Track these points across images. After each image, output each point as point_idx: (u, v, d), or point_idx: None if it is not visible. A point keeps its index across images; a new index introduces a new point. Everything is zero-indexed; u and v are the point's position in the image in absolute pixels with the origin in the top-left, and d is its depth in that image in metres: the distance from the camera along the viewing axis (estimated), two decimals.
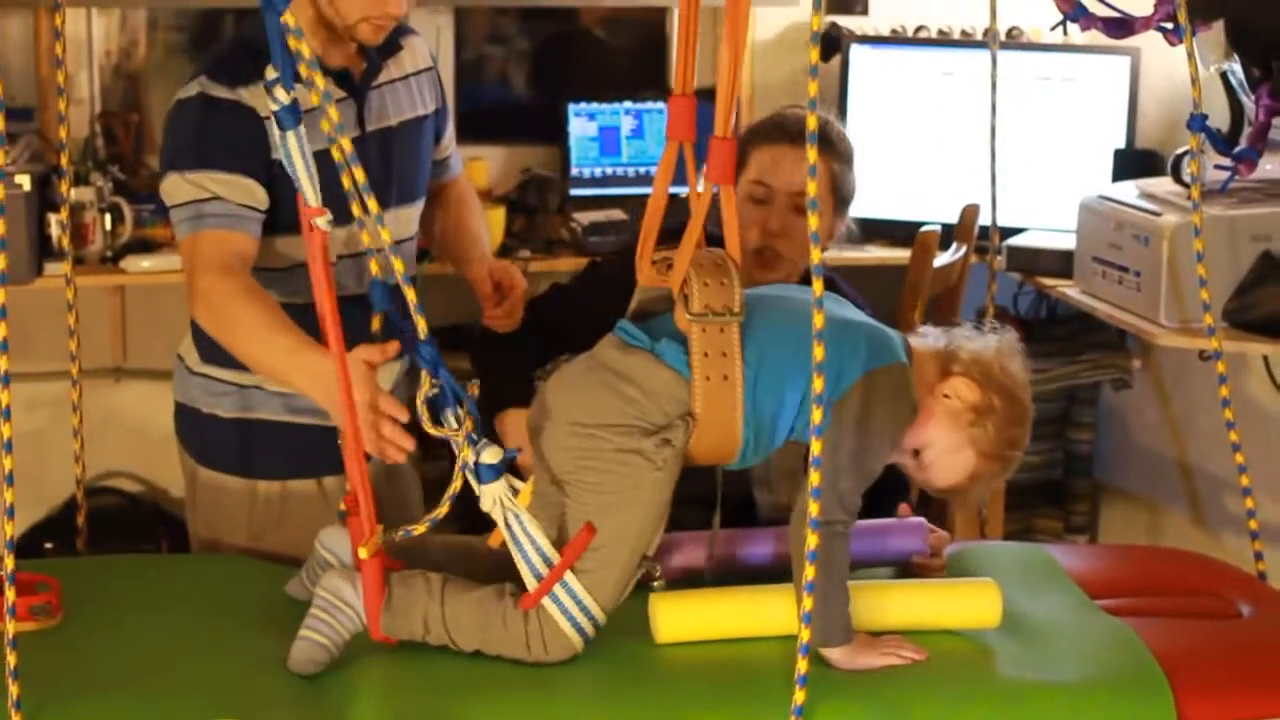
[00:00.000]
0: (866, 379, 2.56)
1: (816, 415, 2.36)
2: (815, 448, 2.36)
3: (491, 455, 2.46)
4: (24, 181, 4.10)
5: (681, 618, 2.60)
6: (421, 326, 2.46)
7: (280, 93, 2.45)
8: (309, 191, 2.51)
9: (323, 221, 2.52)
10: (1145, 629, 2.67)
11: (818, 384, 2.35)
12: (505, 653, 2.53)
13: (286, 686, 2.50)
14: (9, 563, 2.34)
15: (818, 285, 2.35)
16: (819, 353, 2.34)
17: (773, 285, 2.82)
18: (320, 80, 2.44)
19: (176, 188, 2.95)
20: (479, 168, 4.70)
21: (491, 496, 2.48)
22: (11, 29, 4.52)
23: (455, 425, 2.47)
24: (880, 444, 2.56)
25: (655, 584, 2.62)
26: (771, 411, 2.56)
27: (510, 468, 2.53)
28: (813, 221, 2.36)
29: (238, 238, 2.92)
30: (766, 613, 2.59)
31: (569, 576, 2.50)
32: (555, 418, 2.57)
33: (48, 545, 4.50)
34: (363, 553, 2.51)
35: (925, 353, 2.67)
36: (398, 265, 2.47)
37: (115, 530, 4.49)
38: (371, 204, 2.48)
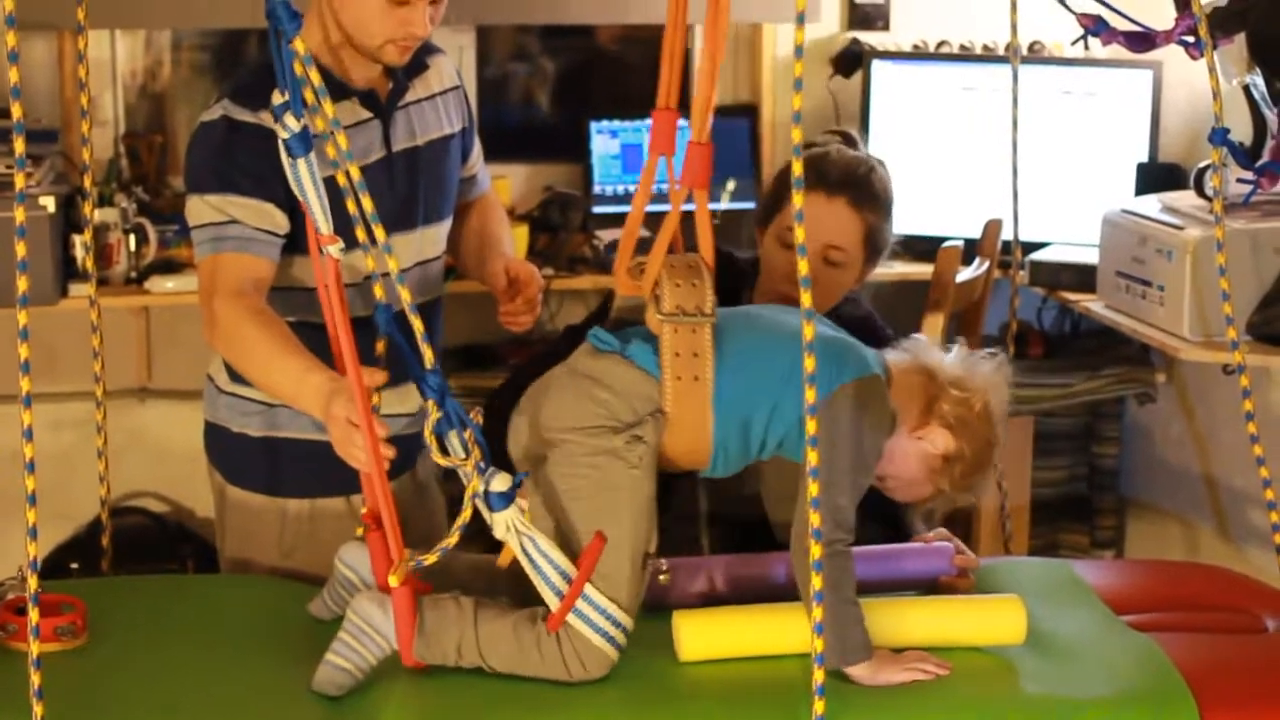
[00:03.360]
0: (839, 392, 2.56)
1: (811, 426, 2.35)
2: (812, 458, 2.36)
3: (501, 483, 2.45)
4: (48, 203, 4.12)
5: (705, 636, 2.60)
6: (428, 356, 2.45)
7: (290, 120, 2.45)
8: (320, 219, 2.52)
9: (335, 249, 2.52)
10: (1171, 644, 2.66)
11: (810, 395, 2.35)
12: (544, 676, 2.52)
13: (310, 708, 2.50)
14: (33, 583, 2.34)
15: (805, 298, 2.34)
16: (810, 364, 2.34)
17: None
18: (329, 108, 2.42)
19: (197, 209, 2.97)
20: (501, 186, 4.70)
21: (504, 523, 2.48)
22: (36, 51, 4.53)
23: (463, 455, 2.47)
24: (864, 454, 2.57)
25: (662, 578, 2.61)
26: (742, 419, 2.58)
27: None
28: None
29: (254, 262, 2.94)
30: (789, 631, 2.58)
31: (587, 588, 2.50)
32: (531, 428, 2.59)
33: (73, 565, 4.51)
34: (392, 580, 2.51)
35: (910, 378, 2.67)
36: (404, 294, 2.44)
37: (140, 550, 4.50)
38: (379, 232, 2.45)
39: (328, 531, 3.09)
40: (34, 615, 2.34)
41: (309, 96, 2.47)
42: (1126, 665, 2.60)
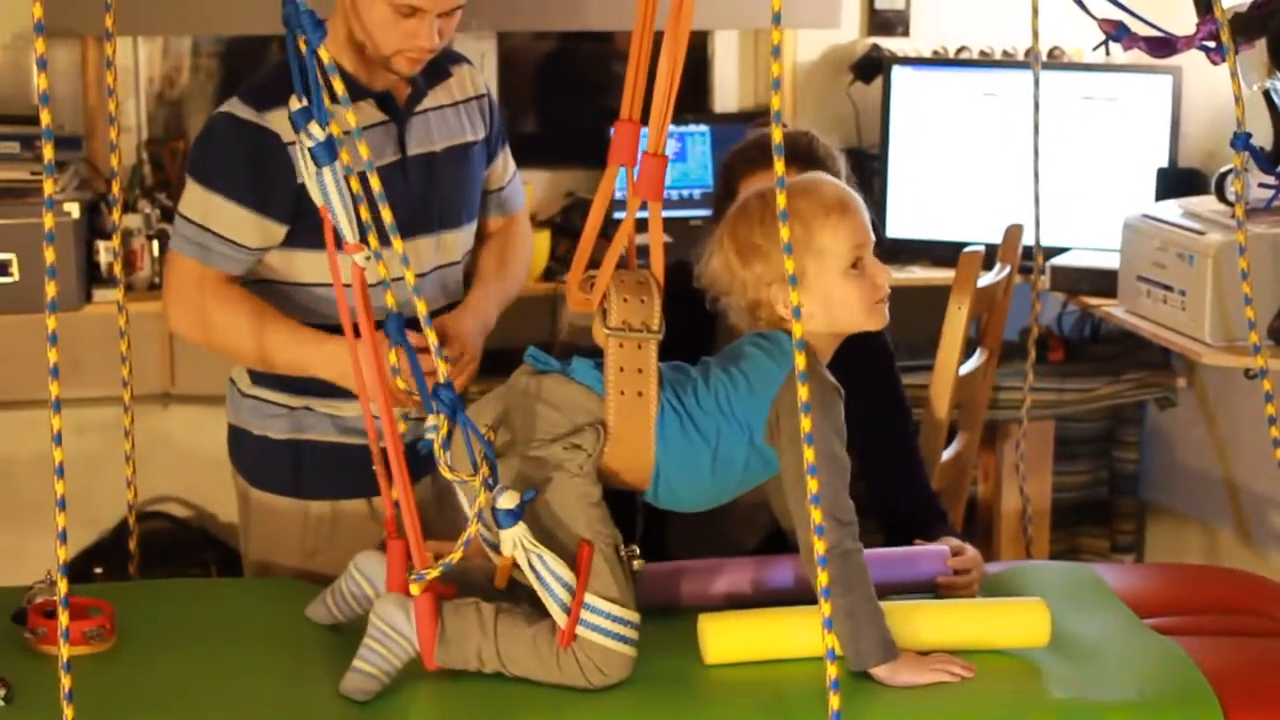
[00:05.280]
0: (774, 405, 2.57)
1: (806, 424, 2.36)
2: (809, 455, 2.37)
3: (509, 500, 2.44)
4: (73, 209, 4.14)
5: (730, 638, 2.61)
6: (441, 369, 2.43)
7: (315, 128, 2.45)
8: (346, 228, 2.51)
9: (360, 258, 2.52)
10: (1194, 648, 2.66)
11: (802, 393, 2.36)
12: (569, 685, 2.53)
13: (336, 709, 2.51)
14: (64, 587, 2.36)
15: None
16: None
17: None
18: (351, 118, 2.42)
19: (186, 195, 3.04)
20: None
21: (511, 540, 2.47)
22: (59, 59, 4.55)
23: (471, 470, 2.46)
24: (830, 435, 2.54)
25: (636, 564, 2.59)
26: (686, 458, 2.59)
27: None
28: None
29: (215, 275, 3.02)
30: (815, 633, 2.59)
31: (585, 595, 2.50)
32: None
33: (97, 570, 4.52)
34: (414, 589, 2.51)
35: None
36: (421, 306, 2.42)
37: (164, 554, 4.51)
38: (397, 243, 2.44)
39: (350, 533, 3.10)
40: (64, 619, 2.36)
41: (328, 102, 2.47)
42: (1151, 668, 2.60)
